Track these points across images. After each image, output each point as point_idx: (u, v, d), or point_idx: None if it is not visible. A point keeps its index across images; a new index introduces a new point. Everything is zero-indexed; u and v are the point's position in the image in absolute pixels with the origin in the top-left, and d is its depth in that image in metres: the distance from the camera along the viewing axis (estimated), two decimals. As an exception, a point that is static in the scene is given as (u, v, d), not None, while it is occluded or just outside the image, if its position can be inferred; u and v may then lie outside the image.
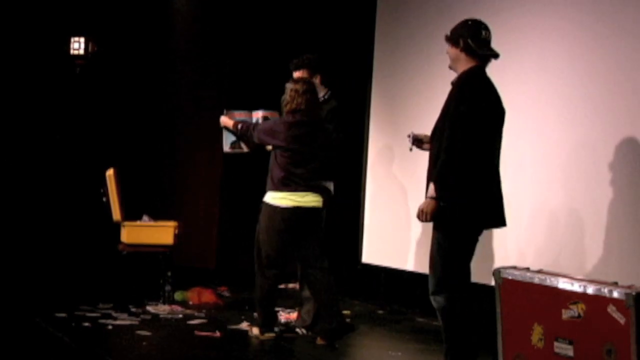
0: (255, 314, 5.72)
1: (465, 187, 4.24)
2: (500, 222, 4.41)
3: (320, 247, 5.54)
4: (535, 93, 5.79)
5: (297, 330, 5.78)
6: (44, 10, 8.59)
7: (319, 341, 5.46)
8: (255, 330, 5.59)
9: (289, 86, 5.56)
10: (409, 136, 4.80)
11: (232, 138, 5.89)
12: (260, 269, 5.54)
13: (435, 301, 4.39)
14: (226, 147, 5.95)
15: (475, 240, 4.39)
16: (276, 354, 5.29)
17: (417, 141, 4.77)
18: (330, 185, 5.84)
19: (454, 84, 4.44)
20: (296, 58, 5.96)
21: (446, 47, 4.51)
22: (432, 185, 4.25)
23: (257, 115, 5.91)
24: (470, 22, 4.48)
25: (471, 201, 4.26)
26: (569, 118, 5.54)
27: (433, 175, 4.28)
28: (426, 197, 4.29)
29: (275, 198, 5.42)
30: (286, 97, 5.55)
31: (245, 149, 5.87)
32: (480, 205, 4.30)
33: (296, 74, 5.89)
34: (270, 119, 5.68)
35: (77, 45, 8.74)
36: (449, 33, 4.51)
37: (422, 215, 4.29)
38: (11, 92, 8.51)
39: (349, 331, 5.72)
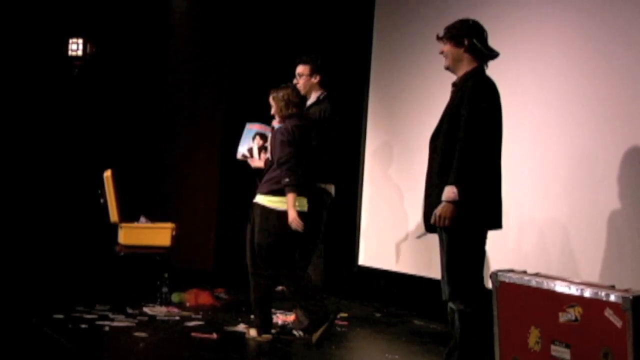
0: (252, 316, 5.72)
1: (482, 189, 4.23)
2: (500, 224, 4.42)
3: (304, 249, 5.61)
4: (534, 98, 5.80)
5: (294, 332, 5.78)
6: (42, 11, 8.59)
7: (314, 338, 5.44)
8: (253, 332, 5.59)
9: (277, 94, 5.58)
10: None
11: (248, 146, 5.91)
12: (257, 270, 5.57)
13: (454, 306, 4.36)
14: (239, 155, 6.01)
15: (485, 242, 4.39)
16: (273, 356, 5.28)
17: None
18: (332, 188, 5.85)
19: (456, 85, 4.40)
20: (304, 55, 6.03)
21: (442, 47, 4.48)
22: (449, 188, 4.19)
23: (253, 127, 5.97)
24: (472, 22, 4.44)
25: (485, 203, 4.26)
26: (568, 122, 5.55)
27: (451, 177, 4.21)
28: (442, 200, 4.24)
29: (272, 201, 5.42)
30: (280, 104, 5.55)
31: (256, 163, 5.86)
32: (491, 206, 4.30)
33: (299, 68, 5.97)
34: (279, 138, 5.49)
35: (75, 47, 8.74)
36: (445, 32, 4.45)
37: (440, 220, 4.24)
38: (9, 93, 8.50)
39: (334, 317, 5.68)
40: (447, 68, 4.48)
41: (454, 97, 4.37)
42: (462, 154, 4.19)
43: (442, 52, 4.46)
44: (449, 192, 4.20)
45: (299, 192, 5.39)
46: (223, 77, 8.77)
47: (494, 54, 4.41)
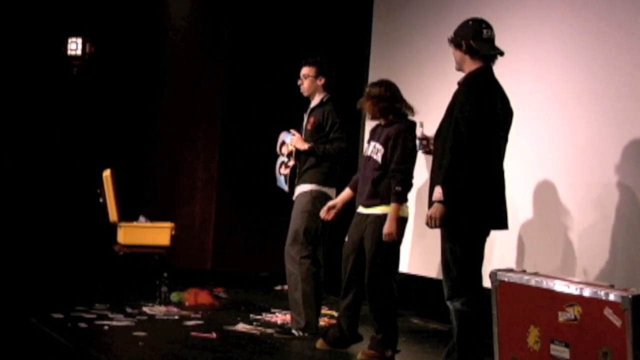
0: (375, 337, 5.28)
1: (473, 189, 4.22)
2: (504, 224, 4.41)
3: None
4: (537, 95, 5.79)
5: (293, 331, 5.76)
6: (41, 11, 8.59)
7: (322, 345, 5.36)
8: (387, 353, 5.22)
9: (387, 91, 5.18)
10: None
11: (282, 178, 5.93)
12: (391, 283, 5.26)
13: (452, 305, 4.37)
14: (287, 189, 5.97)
15: (484, 242, 4.38)
16: (272, 355, 5.28)
17: (425, 140, 4.73)
18: (333, 192, 5.84)
19: (460, 84, 4.42)
20: (309, 56, 5.98)
21: (448, 49, 4.51)
22: (438, 189, 4.21)
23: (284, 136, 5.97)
24: (470, 22, 4.47)
25: (479, 203, 4.25)
26: (569, 121, 5.55)
27: (439, 178, 4.23)
28: (432, 200, 4.26)
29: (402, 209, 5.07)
30: (389, 101, 5.13)
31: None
32: (487, 206, 4.29)
33: (304, 70, 5.92)
34: (401, 142, 5.04)
35: (75, 46, 8.75)
36: (452, 35, 4.50)
37: (431, 222, 4.25)
38: (8, 92, 8.50)
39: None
40: (458, 69, 4.51)
41: (454, 96, 4.39)
42: (449, 155, 4.20)
43: (453, 55, 4.50)
44: (436, 192, 4.23)
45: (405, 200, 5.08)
46: (221, 76, 8.77)
47: (493, 53, 4.42)
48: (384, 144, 5.09)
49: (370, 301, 5.21)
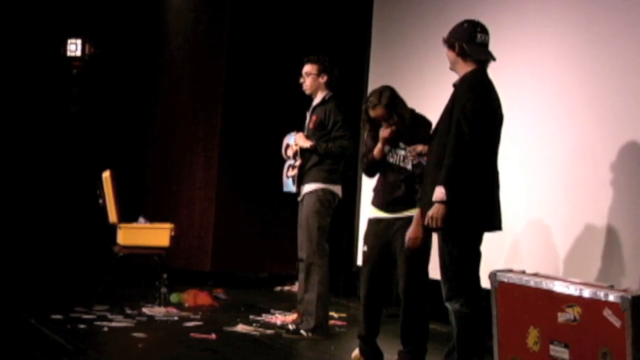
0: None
1: (472, 189, 4.22)
2: (499, 226, 4.41)
3: None
4: (533, 96, 5.79)
5: (302, 332, 5.73)
6: (41, 12, 8.60)
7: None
8: None
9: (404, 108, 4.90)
10: (410, 152, 4.71)
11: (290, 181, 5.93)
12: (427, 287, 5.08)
13: (451, 306, 4.36)
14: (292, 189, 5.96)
15: (481, 243, 4.38)
16: (272, 355, 5.28)
17: (419, 156, 4.67)
18: (339, 189, 5.85)
19: (455, 85, 4.42)
20: (311, 54, 5.97)
21: (444, 49, 4.50)
22: (440, 189, 4.20)
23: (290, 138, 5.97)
24: (466, 25, 4.45)
25: (477, 204, 4.25)
26: (568, 121, 5.54)
27: (440, 178, 4.22)
28: (433, 200, 4.24)
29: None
30: (402, 112, 4.87)
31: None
32: (485, 207, 4.29)
33: (306, 67, 5.90)
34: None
35: (74, 47, 8.76)
36: (446, 36, 4.49)
37: (432, 222, 4.24)
38: (7, 93, 8.51)
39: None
40: (451, 69, 4.51)
41: (451, 98, 4.39)
42: (450, 155, 4.20)
43: (447, 55, 4.49)
44: (437, 192, 4.21)
45: None
46: (221, 77, 8.77)
47: (484, 59, 4.40)
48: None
49: (411, 308, 4.97)
